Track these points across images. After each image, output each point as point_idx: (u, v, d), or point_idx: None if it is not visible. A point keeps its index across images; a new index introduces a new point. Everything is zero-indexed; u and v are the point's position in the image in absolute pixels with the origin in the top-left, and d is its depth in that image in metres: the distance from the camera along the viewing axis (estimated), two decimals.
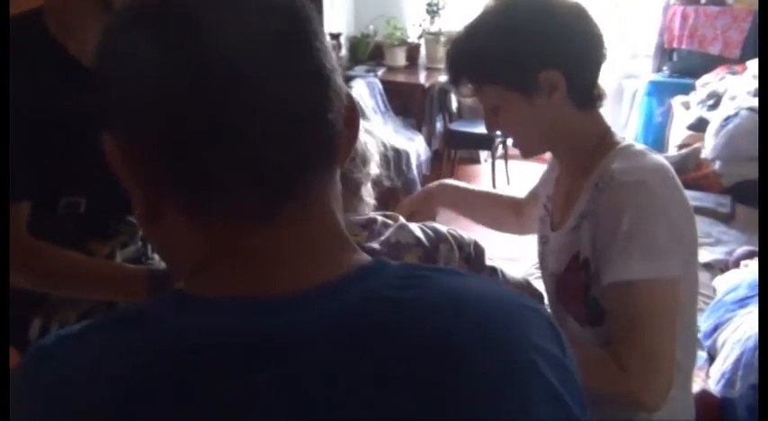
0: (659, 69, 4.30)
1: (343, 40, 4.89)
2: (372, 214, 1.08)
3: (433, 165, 4.66)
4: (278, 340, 0.46)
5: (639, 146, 1.05)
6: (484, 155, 5.12)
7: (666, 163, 1.01)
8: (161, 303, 0.52)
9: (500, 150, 4.63)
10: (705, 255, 2.26)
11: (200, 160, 0.47)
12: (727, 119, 2.73)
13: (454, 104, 4.63)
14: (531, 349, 0.50)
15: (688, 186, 2.74)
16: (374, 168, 1.10)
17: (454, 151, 4.90)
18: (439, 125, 4.87)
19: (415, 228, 1.05)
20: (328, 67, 0.50)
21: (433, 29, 4.81)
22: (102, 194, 1.00)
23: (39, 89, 1.04)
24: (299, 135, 0.48)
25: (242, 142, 0.47)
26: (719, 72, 3.55)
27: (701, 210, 2.53)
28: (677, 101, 3.72)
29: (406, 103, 4.86)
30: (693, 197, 2.63)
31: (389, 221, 1.06)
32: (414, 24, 4.93)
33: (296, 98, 0.48)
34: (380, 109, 4.40)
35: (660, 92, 4.05)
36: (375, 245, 1.00)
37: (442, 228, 1.07)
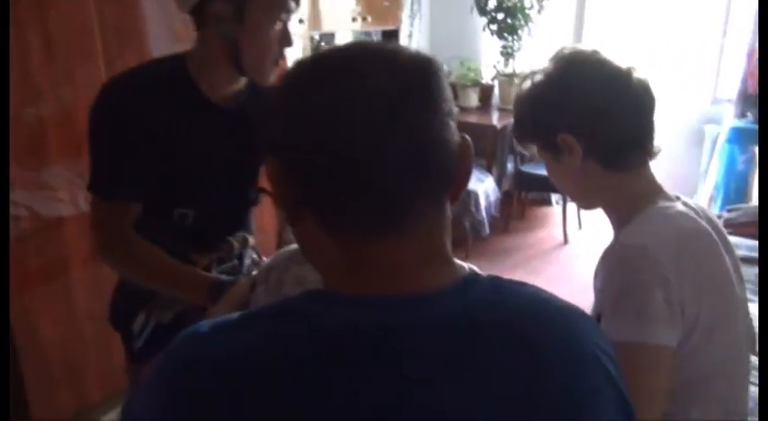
0: (742, 115, 4.15)
1: None
2: None
3: (502, 206, 4.63)
4: (413, 327, 0.60)
5: (677, 208, 1.07)
6: (555, 197, 5.05)
7: (692, 229, 1.04)
8: (310, 300, 0.65)
9: None
10: None
11: (334, 194, 0.61)
12: None
13: None
14: (594, 346, 0.66)
15: None
16: None
17: (525, 193, 4.85)
18: (510, 166, 4.85)
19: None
20: (447, 113, 0.65)
21: (508, 70, 4.83)
22: (209, 212, 1.19)
23: (174, 118, 1.28)
24: (419, 169, 0.62)
25: (371, 175, 0.60)
26: None
27: None
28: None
29: (477, 143, 4.85)
30: None
31: None
32: (488, 65, 4.97)
33: (420, 141, 0.62)
34: None
35: (743, 139, 3.90)
36: None
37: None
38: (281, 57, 1.35)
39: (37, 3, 2.01)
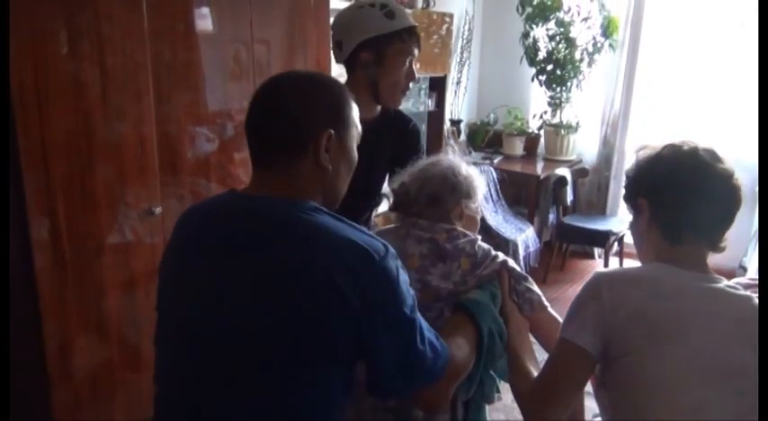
0: None
1: (462, 126, 5.01)
2: (459, 228, 1.51)
3: (542, 257, 4.57)
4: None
5: (674, 269, 1.25)
6: (598, 250, 4.95)
7: (664, 281, 1.23)
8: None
9: (615, 247, 4.47)
10: None
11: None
12: None
13: (569, 197, 4.56)
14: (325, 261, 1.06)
15: None
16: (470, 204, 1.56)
17: (566, 244, 4.78)
18: (552, 217, 4.80)
19: (481, 244, 1.50)
20: None
21: (555, 121, 4.82)
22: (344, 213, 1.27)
23: None
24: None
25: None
26: None
27: None
28: None
29: (520, 192, 4.84)
30: None
31: (469, 234, 1.51)
32: (535, 115, 4.97)
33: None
34: (492, 197, 4.41)
35: None
36: (448, 245, 1.46)
37: (492, 251, 1.52)
38: (408, 88, 1.88)
39: (97, 41, 2.13)
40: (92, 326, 2.29)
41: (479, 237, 1.52)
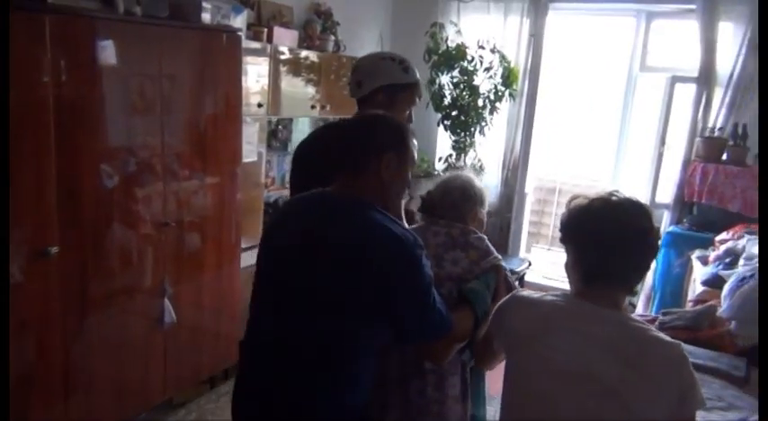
0: (679, 221, 4.34)
1: None
2: (471, 227, 1.90)
3: None
4: None
5: (570, 303, 1.46)
6: None
7: (554, 303, 1.47)
8: None
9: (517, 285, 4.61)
10: (716, 419, 2.17)
11: None
12: (743, 279, 2.71)
13: None
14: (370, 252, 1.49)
15: (702, 344, 2.69)
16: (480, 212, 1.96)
17: None
18: None
19: (487, 243, 1.87)
20: None
21: (459, 163, 4.98)
22: None
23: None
24: None
25: None
26: (737, 230, 3.57)
27: (713, 371, 2.45)
28: (695, 254, 3.73)
29: None
30: (707, 357, 2.57)
31: (479, 233, 1.89)
32: (440, 158, 5.12)
33: None
34: None
35: (679, 244, 4.07)
36: (460, 238, 1.85)
37: (493, 250, 1.88)
38: None
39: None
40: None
41: (486, 237, 1.89)
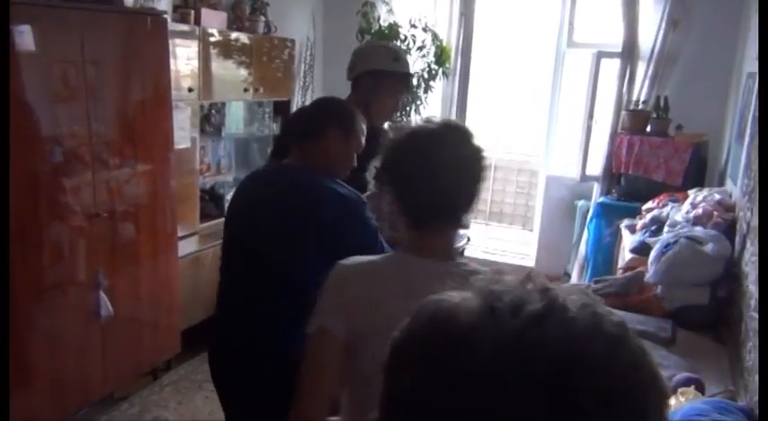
0: (608, 192, 4.51)
1: None
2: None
3: None
4: None
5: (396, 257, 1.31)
6: None
7: (383, 268, 1.26)
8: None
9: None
10: None
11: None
12: (667, 246, 2.85)
13: None
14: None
15: (631, 309, 2.81)
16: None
17: None
18: None
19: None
20: None
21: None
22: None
23: None
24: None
25: None
26: (662, 199, 3.74)
27: (642, 334, 2.58)
28: (624, 223, 3.88)
29: None
30: (636, 320, 2.69)
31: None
32: None
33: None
34: None
35: (609, 214, 4.22)
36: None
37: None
38: (392, 117, 2.40)
39: None
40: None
41: None
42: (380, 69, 2.23)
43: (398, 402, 0.54)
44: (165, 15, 3.13)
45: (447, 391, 0.49)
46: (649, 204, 3.76)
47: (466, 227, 1.30)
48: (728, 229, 2.92)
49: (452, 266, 1.23)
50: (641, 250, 3.23)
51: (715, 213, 3.03)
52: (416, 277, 1.14)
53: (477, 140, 1.25)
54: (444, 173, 1.20)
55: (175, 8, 3.53)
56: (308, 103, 4.93)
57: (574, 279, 4.54)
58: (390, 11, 4.89)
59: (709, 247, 2.74)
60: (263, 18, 4.29)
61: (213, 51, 3.67)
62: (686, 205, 3.34)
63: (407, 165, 1.23)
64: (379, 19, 4.78)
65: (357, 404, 1.24)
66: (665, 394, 0.53)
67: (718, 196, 3.26)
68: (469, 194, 1.24)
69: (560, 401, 0.46)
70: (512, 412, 0.46)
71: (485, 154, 1.25)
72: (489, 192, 6.17)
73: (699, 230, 2.93)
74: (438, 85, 4.93)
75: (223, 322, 1.89)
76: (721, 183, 3.85)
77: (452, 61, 4.94)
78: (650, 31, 4.38)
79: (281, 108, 4.51)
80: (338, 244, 1.60)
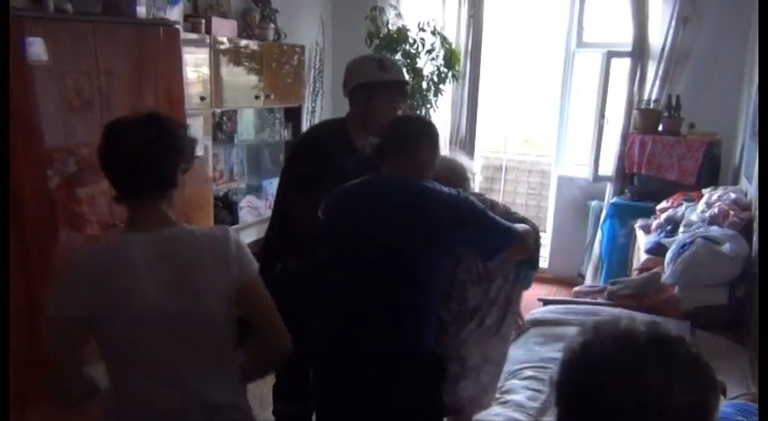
0: (621, 192, 4.48)
1: None
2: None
3: None
4: None
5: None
6: None
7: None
8: None
9: None
10: None
11: None
12: (684, 246, 2.83)
13: None
14: None
15: (648, 311, 2.80)
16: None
17: None
18: None
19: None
20: None
21: None
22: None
23: (322, 159, 2.16)
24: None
25: None
26: (676, 198, 3.72)
27: None
28: (638, 224, 3.86)
29: None
30: None
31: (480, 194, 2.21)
32: None
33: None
34: None
35: (622, 214, 4.20)
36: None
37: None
38: None
39: None
40: None
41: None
42: (370, 81, 2.23)
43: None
44: (177, 26, 3.15)
45: None
46: (664, 204, 3.74)
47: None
48: (745, 228, 2.89)
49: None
50: (657, 251, 3.21)
51: (731, 212, 3.01)
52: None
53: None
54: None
55: (186, 17, 3.54)
56: (317, 108, 4.97)
57: (588, 280, 4.51)
58: (399, 15, 4.89)
59: (726, 247, 2.72)
60: (272, 25, 4.31)
61: (224, 59, 3.69)
62: (701, 205, 3.31)
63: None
64: (387, 23, 4.79)
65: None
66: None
67: (733, 195, 3.24)
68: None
69: None
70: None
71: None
72: (501, 193, 6.16)
73: (715, 230, 2.91)
74: (448, 88, 4.92)
75: (349, 328, 1.90)
76: (735, 181, 3.82)
77: (462, 64, 4.93)
78: (660, 30, 4.35)
79: (291, 114, 4.52)
80: (462, 233, 1.81)
